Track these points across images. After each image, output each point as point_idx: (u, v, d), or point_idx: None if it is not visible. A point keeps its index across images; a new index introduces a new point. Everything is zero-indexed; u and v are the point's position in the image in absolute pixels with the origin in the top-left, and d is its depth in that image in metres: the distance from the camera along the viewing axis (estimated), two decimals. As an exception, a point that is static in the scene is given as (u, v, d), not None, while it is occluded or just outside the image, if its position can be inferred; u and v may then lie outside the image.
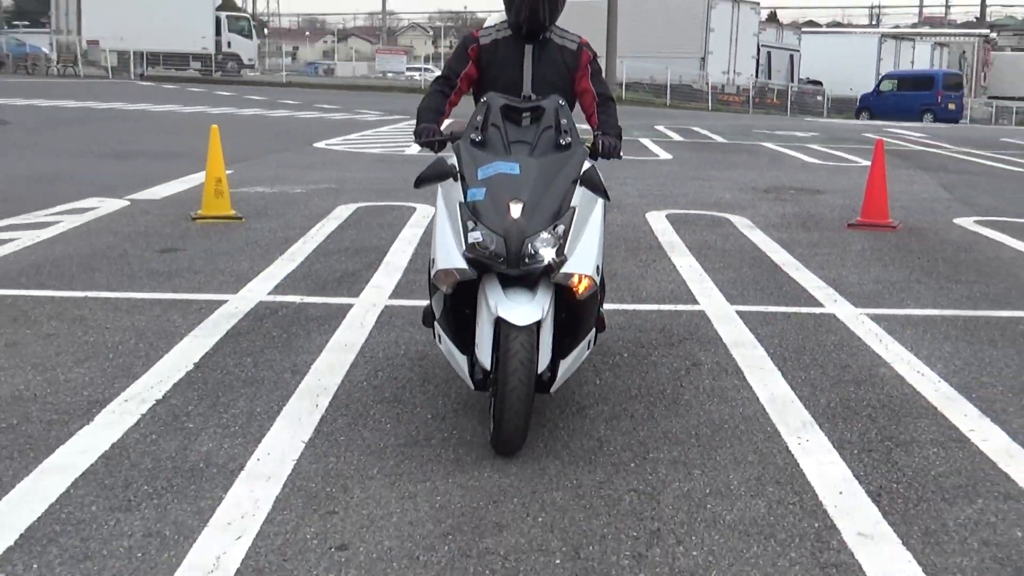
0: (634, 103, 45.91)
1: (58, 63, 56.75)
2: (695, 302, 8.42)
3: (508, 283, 4.89)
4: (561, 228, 4.90)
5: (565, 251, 4.89)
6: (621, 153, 5.73)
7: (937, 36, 71.47)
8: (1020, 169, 21.67)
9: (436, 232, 5.22)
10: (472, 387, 5.19)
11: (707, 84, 51.03)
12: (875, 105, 50.79)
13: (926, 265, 10.30)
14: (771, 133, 32.24)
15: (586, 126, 5.96)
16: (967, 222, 13.29)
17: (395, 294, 8.42)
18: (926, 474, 5.06)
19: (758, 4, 56.13)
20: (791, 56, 59.75)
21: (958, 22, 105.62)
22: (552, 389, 5.17)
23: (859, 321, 7.94)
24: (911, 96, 50.34)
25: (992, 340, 7.50)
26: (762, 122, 40.08)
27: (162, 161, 17.33)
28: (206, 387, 6.03)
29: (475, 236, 4.82)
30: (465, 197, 4.99)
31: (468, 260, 4.85)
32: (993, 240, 11.98)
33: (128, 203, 12.72)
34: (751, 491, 4.82)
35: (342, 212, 12.53)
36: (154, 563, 3.99)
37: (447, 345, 5.21)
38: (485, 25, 6.06)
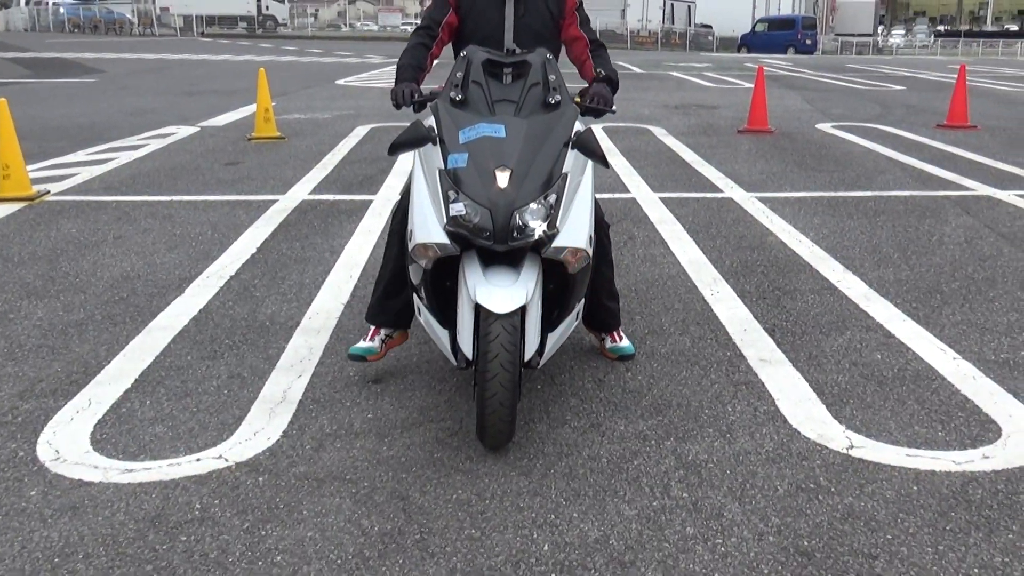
0: (573, 45, 45.00)
1: (138, 25, 55.28)
2: (627, 191, 8.26)
3: (491, 259, 3.38)
4: (552, 197, 3.34)
5: (557, 223, 3.35)
6: (614, 107, 4.00)
7: (797, -11, 70.22)
8: (860, 87, 21.39)
9: (413, 201, 3.53)
10: (455, 364, 3.50)
11: (627, 29, 50.07)
12: (751, 42, 49.92)
13: (797, 159, 10.16)
14: (675, 64, 31.70)
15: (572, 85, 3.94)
16: (826, 127, 13.09)
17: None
18: (807, 314, 5.00)
19: (664, -32, 55.46)
20: (688, 7, 58.72)
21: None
22: (540, 364, 3.52)
23: (750, 202, 7.82)
24: (778, 35, 49.50)
25: (849, 214, 7.40)
26: (669, 57, 39.39)
27: (222, 97, 16.86)
28: (266, 265, 5.88)
29: (457, 208, 3.28)
30: (445, 164, 3.39)
31: (449, 234, 3.32)
32: (846, 139, 11.82)
33: (199, 129, 12.36)
34: (679, 330, 4.74)
35: (360, 131, 12.22)
36: (237, 397, 3.89)
37: (426, 317, 3.60)
38: None
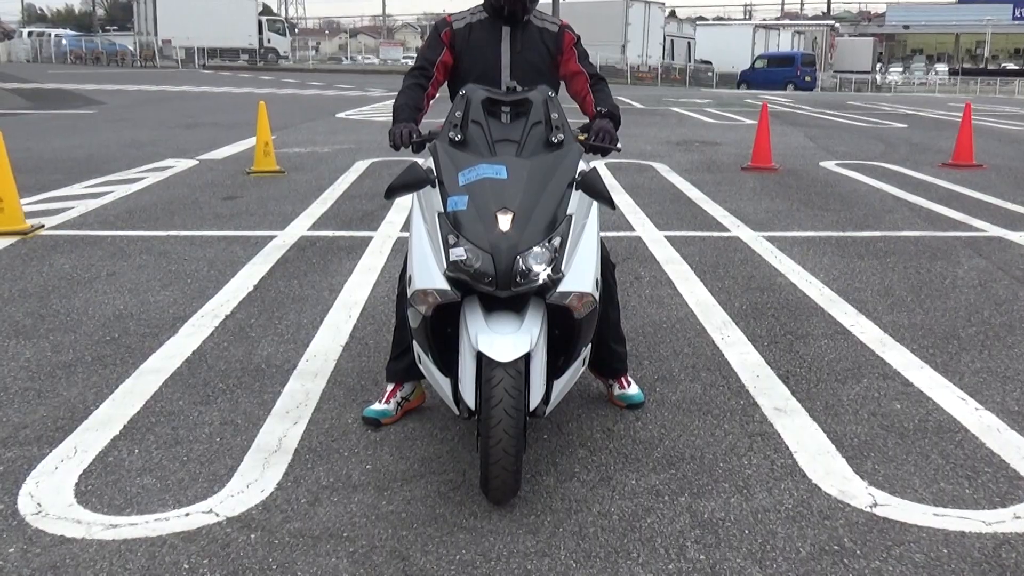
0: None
1: (140, 57, 55.49)
2: (632, 229, 8.13)
3: (492, 304, 3.21)
4: (557, 240, 3.19)
5: (562, 267, 3.19)
6: (619, 144, 3.83)
7: (795, 26, 70.64)
8: (863, 124, 21.34)
9: (412, 245, 3.39)
10: (457, 413, 3.34)
11: (627, 64, 50.20)
12: (751, 78, 50.17)
13: (803, 198, 10.03)
14: (676, 100, 31.72)
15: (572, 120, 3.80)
16: (830, 165, 13.00)
17: (405, 227, 8.10)
18: (821, 360, 4.84)
19: (663, 4, 55.61)
20: (688, 43, 59.17)
21: (809, 15, 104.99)
22: (545, 413, 3.35)
23: (758, 242, 7.69)
24: (777, 71, 49.79)
25: (859, 254, 7.26)
26: (669, 92, 39.45)
27: (221, 129, 16.78)
28: (263, 304, 5.72)
29: (457, 253, 3.12)
30: (445, 207, 3.23)
31: (449, 280, 3.16)
32: (851, 178, 11.70)
33: (197, 162, 12.25)
34: (689, 376, 4.58)
35: (360, 166, 12.11)
36: (230, 446, 3.73)
37: (427, 366, 3.41)
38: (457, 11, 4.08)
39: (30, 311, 5.47)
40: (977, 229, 8.36)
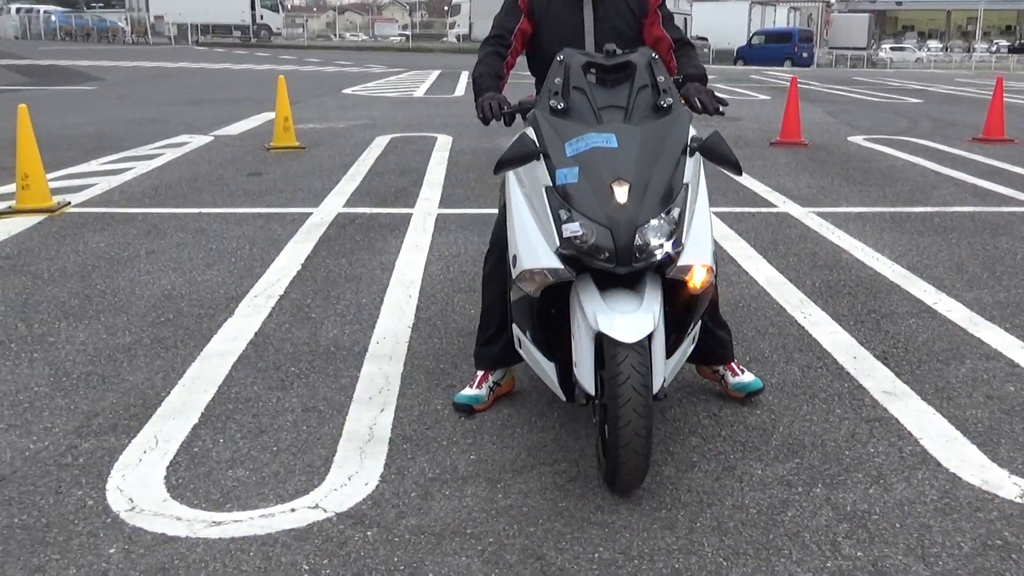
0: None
1: (132, 34, 54.87)
2: (677, 206, 7.88)
3: (606, 282, 2.99)
4: (676, 212, 2.97)
5: (683, 240, 2.99)
6: (722, 108, 3.46)
7: (791, 2, 70.25)
8: (878, 100, 21.11)
9: (514, 224, 3.16)
10: (564, 399, 3.22)
11: (623, 42, 49.91)
12: (748, 54, 49.77)
13: (842, 173, 9.80)
14: (680, 77, 31.34)
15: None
16: (859, 140, 12.75)
17: (442, 204, 7.86)
18: (915, 340, 4.63)
19: (661, -18, 55.20)
20: (685, 19, 58.46)
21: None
22: (664, 395, 3.08)
23: (809, 217, 7.47)
24: (775, 47, 49.43)
25: (918, 231, 7.05)
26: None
27: (229, 105, 16.48)
28: (316, 283, 5.49)
29: (572, 228, 2.90)
30: (553, 180, 2.99)
31: (562, 257, 2.96)
32: (885, 153, 11.47)
33: (213, 138, 11.98)
34: (783, 358, 4.37)
35: (381, 142, 11.85)
36: (319, 434, 3.50)
37: (528, 350, 3.29)
38: None
39: (74, 291, 5.23)
40: (1029, 204, 8.15)
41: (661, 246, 2.93)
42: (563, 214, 2.95)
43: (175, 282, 5.45)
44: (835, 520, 2.93)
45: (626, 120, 3.11)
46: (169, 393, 3.86)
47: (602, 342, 2.89)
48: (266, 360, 4.26)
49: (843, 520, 2.93)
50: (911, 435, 3.55)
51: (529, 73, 3.83)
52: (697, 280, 3.05)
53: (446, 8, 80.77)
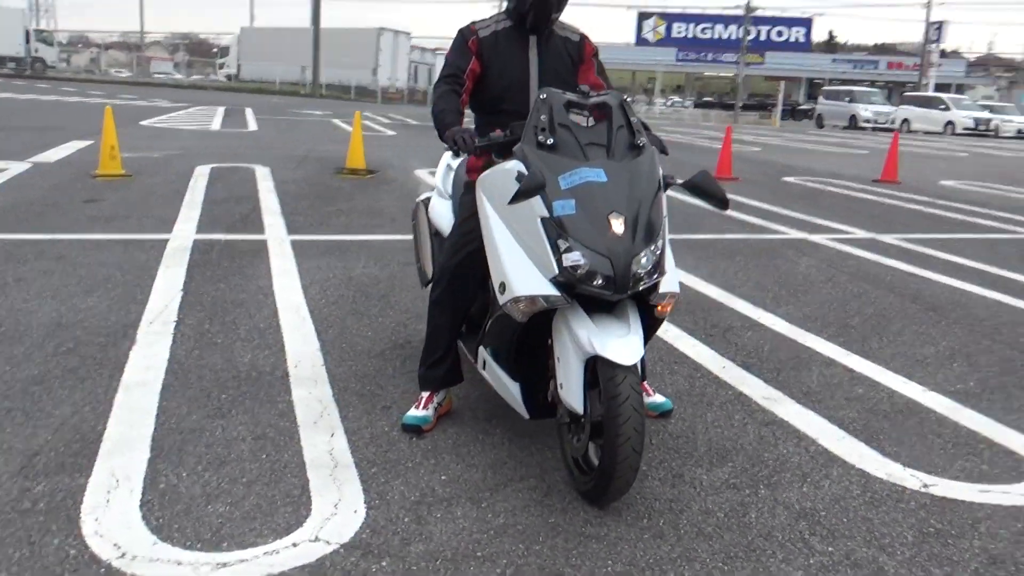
0: (330, 97, 44.06)
1: None
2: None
3: (591, 308, 2.92)
4: (660, 242, 2.94)
5: (665, 268, 2.97)
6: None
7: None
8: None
9: (500, 254, 3.01)
10: (527, 416, 3.14)
11: (378, 86, 49.22)
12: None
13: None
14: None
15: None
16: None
17: (291, 231, 7.40)
18: (762, 350, 4.74)
19: (409, 35, 55.05)
20: (429, 68, 58.88)
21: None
22: None
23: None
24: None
25: (710, 256, 7.33)
26: (419, 111, 39.24)
27: (33, 133, 14.90)
28: (205, 308, 4.99)
29: (573, 257, 2.78)
30: (550, 211, 2.85)
31: (558, 284, 2.85)
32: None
33: (31, 165, 10.76)
34: (666, 369, 4.37)
35: (203, 171, 11.03)
36: (282, 462, 3.15)
37: (493, 370, 3.22)
38: (478, 19, 3.60)
39: (-49, 322, 4.48)
40: (780, 232, 8.64)
41: (650, 275, 2.88)
42: (562, 244, 2.83)
43: (59, 309, 4.79)
44: (793, 518, 2.92)
45: (609, 157, 2.99)
46: (105, 426, 3.35)
47: (594, 364, 2.80)
48: (192, 388, 3.79)
49: (799, 518, 2.93)
50: (808, 436, 3.63)
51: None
52: (669, 306, 3.03)
53: (214, 50, 77.48)
